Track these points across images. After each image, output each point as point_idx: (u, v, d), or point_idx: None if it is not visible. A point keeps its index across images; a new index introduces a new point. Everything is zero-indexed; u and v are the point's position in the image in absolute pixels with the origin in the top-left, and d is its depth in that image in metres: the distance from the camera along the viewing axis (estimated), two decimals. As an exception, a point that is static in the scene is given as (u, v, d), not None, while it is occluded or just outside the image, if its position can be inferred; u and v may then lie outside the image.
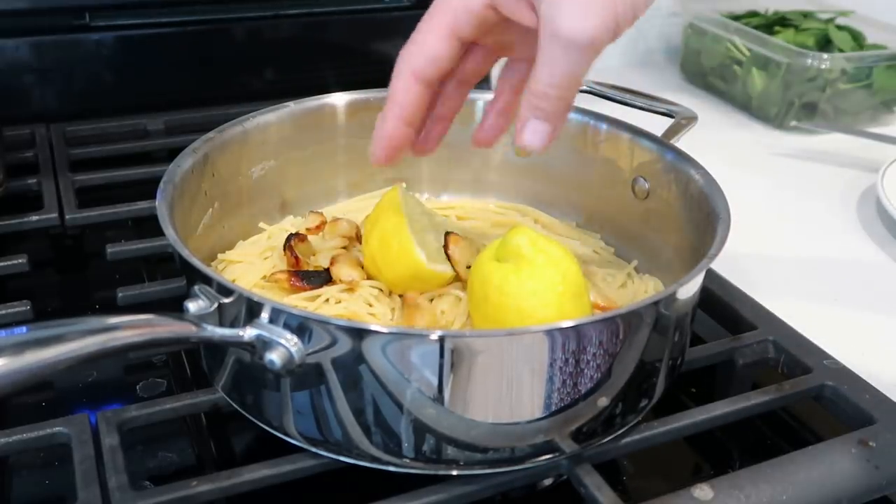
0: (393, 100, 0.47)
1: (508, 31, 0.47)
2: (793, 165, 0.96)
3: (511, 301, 0.48)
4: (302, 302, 0.55)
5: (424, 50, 0.45)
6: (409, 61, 0.46)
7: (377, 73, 0.94)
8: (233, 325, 0.45)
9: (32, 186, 0.76)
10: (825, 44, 1.06)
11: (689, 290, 0.49)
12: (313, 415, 0.46)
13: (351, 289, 0.55)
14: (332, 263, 0.57)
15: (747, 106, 1.08)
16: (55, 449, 0.50)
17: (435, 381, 0.43)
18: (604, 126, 0.65)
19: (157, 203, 0.51)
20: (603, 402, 0.47)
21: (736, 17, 1.12)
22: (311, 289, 0.55)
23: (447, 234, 0.56)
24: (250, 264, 0.60)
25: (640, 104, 0.67)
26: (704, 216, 0.55)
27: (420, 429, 0.45)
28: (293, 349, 0.43)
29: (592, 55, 0.42)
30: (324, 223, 0.62)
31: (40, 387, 0.58)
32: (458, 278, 0.56)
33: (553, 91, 0.43)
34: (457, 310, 0.55)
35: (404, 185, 0.68)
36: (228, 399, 0.51)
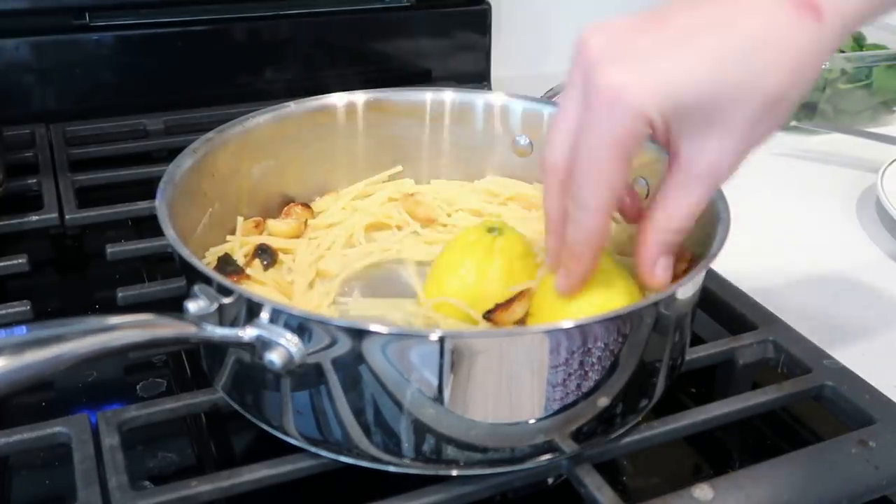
0: (590, 239, 0.46)
1: None
2: (793, 165, 0.96)
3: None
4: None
5: (615, 186, 0.45)
6: (603, 204, 0.45)
7: (377, 73, 0.95)
8: (233, 325, 0.45)
9: (32, 186, 0.76)
10: (825, 43, 1.06)
11: (688, 290, 0.49)
12: (313, 415, 0.46)
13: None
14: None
15: (747, 106, 1.07)
16: (55, 449, 0.50)
17: (435, 382, 0.43)
18: (604, 126, 0.65)
19: (157, 203, 0.51)
20: (603, 402, 0.47)
21: (736, 17, 1.12)
22: (236, 276, 0.55)
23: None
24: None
25: (640, 104, 0.67)
26: (704, 216, 0.55)
27: (420, 429, 0.45)
28: (293, 349, 0.43)
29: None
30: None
31: (40, 387, 0.58)
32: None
33: (683, 226, 0.47)
34: None
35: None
36: (228, 399, 0.51)
